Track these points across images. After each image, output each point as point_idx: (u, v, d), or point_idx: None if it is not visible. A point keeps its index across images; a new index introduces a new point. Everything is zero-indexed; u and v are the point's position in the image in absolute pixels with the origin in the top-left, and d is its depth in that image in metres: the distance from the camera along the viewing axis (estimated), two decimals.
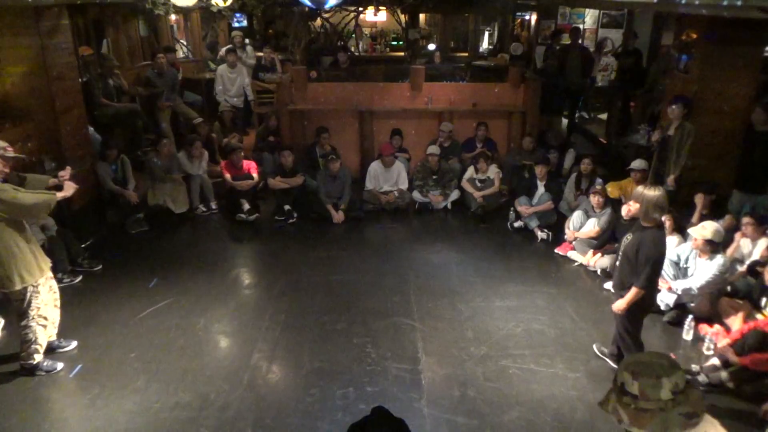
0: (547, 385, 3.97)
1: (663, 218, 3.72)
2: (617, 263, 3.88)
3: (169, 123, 8.46)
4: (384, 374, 4.06)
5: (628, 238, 3.73)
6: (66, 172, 4.15)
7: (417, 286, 5.31)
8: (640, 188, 3.64)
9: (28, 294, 3.86)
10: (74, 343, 4.36)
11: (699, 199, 5.45)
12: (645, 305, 3.77)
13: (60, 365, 4.12)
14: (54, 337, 4.24)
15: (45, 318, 4.00)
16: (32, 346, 3.97)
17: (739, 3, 4.05)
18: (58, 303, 4.20)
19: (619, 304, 3.74)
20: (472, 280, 5.44)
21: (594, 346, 4.34)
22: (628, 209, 3.83)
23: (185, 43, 11.54)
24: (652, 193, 3.52)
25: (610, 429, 3.51)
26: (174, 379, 4.01)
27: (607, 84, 11.27)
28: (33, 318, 3.93)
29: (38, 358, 4.03)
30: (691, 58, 6.05)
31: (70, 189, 4.06)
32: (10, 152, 3.89)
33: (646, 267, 3.54)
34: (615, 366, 4.06)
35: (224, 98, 8.80)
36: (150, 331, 4.59)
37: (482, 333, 4.58)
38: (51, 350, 4.21)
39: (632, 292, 3.64)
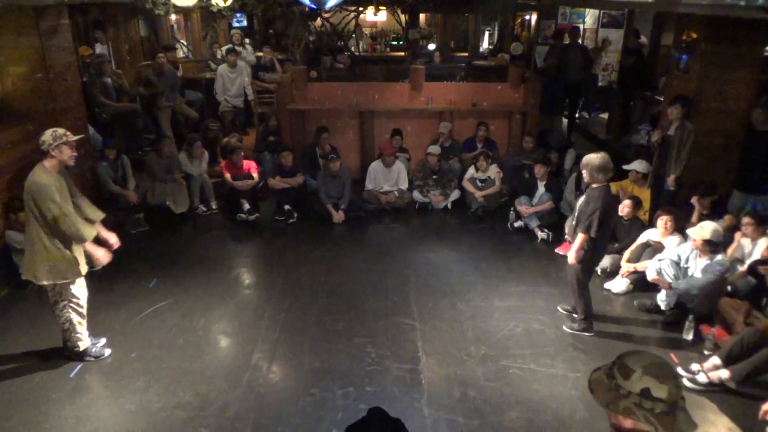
0: (547, 385, 3.97)
1: (608, 179, 4.24)
2: (572, 222, 4.50)
3: (169, 123, 8.46)
4: (384, 374, 4.06)
5: (581, 200, 4.36)
6: (111, 246, 4.14)
7: (417, 286, 5.31)
8: (586, 156, 4.25)
9: (58, 287, 3.92)
10: (103, 340, 4.39)
11: (696, 202, 5.45)
12: (594, 258, 4.43)
13: (108, 351, 4.25)
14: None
15: (80, 305, 4.07)
16: (73, 334, 4.07)
17: (742, 3, 4.04)
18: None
19: (571, 253, 4.34)
20: (473, 280, 5.44)
21: (558, 307, 4.87)
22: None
23: (185, 42, 11.55)
24: (596, 157, 4.17)
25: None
26: (174, 379, 4.01)
27: (607, 84, 11.28)
28: (66, 307, 3.98)
29: (83, 344, 4.14)
30: (691, 57, 6.04)
31: (102, 258, 4.05)
32: (71, 137, 3.89)
33: (592, 216, 4.14)
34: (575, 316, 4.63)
35: (224, 98, 8.80)
36: (150, 331, 4.59)
37: (482, 333, 4.58)
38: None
39: (579, 238, 4.25)
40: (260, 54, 10.51)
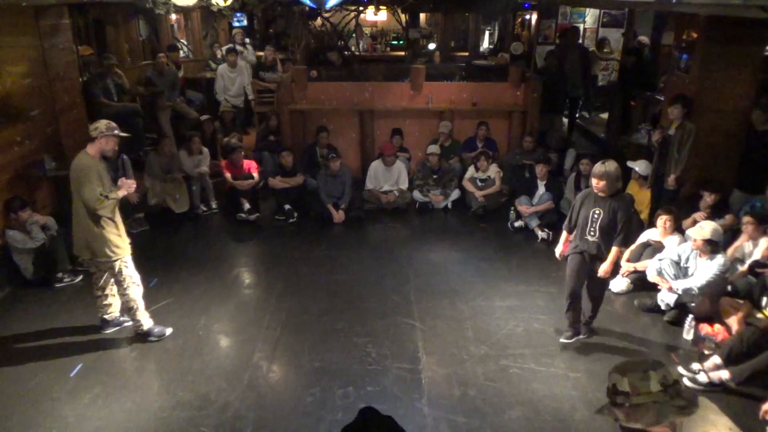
0: (547, 385, 3.97)
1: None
2: (591, 238, 4.14)
3: (169, 122, 8.46)
4: (384, 374, 4.06)
5: (599, 212, 4.06)
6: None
7: (417, 286, 5.31)
8: (599, 166, 4.00)
9: (119, 264, 4.19)
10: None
11: (706, 195, 5.42)
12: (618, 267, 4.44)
13: (169, 330, 4.49)
14: (117, 314, 4.57)
15: (139, 284, 4.36)
16: (138, 312, 4.35)
17: (739, 2, 4.04)
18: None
19: (606, 267, 4.11)
20: (473, 280, 5.44)
21: (561, 340, 4.47)
22: None
23: (185, 42, 11.55)
24: (613, 168, 3.96)
25: (610, 428, 3.50)
26: (174, 379, 4.01)
27: (607, 83, 11.27)
28: (130, 285, 4.28)
29: (147, 324, 4.39)
30: (691, 57, 6.04)
31: (123, 190, 4.23)
32: (121, 133, 4.20)
33: (626, 225, 3.98)
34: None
35: (224, 97, 8.80)
36: None
37: (482, 332, 4.58)
38: (116, 325, 4.57)
39: (614, 251, 4.08)
40: (261, 53, 10.51)
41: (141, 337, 4.41)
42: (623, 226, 4.00)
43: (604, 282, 4.35)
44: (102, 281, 4.37)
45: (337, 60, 9.50)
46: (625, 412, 1.74)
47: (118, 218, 4.22)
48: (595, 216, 4.10)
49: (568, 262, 4.35)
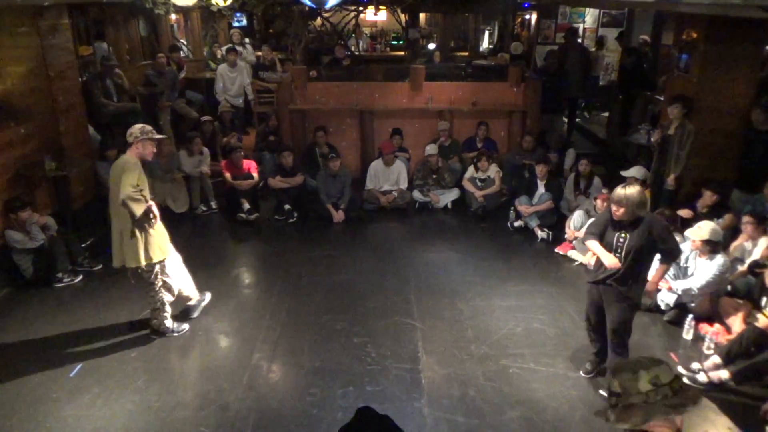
0: (547, 385, 3.97)
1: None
2: (622, 266, 3.64)
3: (169, 122, 8.46)
4: (384, 374, 4.06)
5: (624, 236, 3.60)
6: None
7: (417, 286, 5.31)
8: (619, 190, 3.55)
9: (155, 268, 4.29)
10: (208, 295, 4.92)
11: (707, 194, 5.42)
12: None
13: (186, 326, 4.58)
14: (193, 299, 4.76)
15: (171, 287, 4.49)
16: (162, 313, 4.43)
17: (740, 2, 4.04)
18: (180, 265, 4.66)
19: (653, 283, 3.82)
20: (473, 280, 5.44)
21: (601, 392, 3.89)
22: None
23: (185, 42, 11.55)
24: (634, 193, 3.50)
25: (610, 429, 3.50)
26: (174, 379, 4.01)
27: (607, 83, 11.27)
28: (161, 289, 4.37)
29: (168, 323, 4.49)
30: (691, 57, 6.04)
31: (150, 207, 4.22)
32: (155, 135, 4.26)
33: (669, 238, 3.59)
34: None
35: (224, 97, 8.81)
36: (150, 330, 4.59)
37: (482, 332, 4.58)
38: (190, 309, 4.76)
39: (661, 268, 3.76)
40: (260, 53, 10.51)
41: (161, 333, 4.49)
42: (668, 238, 3.57)
43: (626, 310, 3.74)
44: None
45: (344, 58, 9.42)
46: (616, 413, 1.72)
47: (156, 224, 4.27)
48: (621, 241, 3.63)
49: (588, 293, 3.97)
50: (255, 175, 7.00)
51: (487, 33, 15.27)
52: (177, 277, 4.57)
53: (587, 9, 11.35)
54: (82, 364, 4.15)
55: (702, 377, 3.94)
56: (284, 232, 6.65)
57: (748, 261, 4.79)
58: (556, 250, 6.03)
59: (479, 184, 7.08)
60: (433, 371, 4.09)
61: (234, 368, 4.13)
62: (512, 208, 6.66)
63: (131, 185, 4.02)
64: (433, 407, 3.73)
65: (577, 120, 10.21)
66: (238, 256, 6.18)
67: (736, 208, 5.55)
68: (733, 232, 5.19)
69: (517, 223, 6.57)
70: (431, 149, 7.20)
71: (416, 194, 7.21)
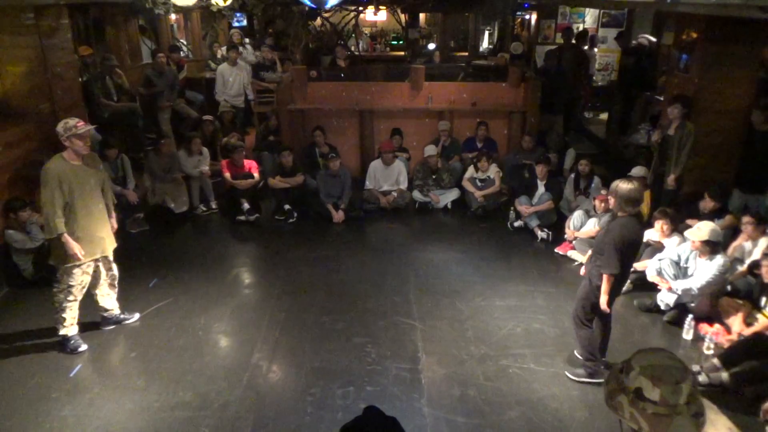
0: (547, 385, 3.97)
1: (638, 210, 3.73)
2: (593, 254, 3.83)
3: (169, 122, 8.46)
4: (384, 374, 4.06)
5: (599, 228, 3.76)
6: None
7: (417, 286, 5.31)
8: (615, 182, 3.64)
9: (61, 270, 4.13)
10: (137, 315, 4.73)
11: (708, 201, 5.39)
12: (618, 288, 3.79)
13: (84, 347, 4.31)
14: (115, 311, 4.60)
15: (74, 292, 4.19)
16: (61, 314, 4.19)
17: (740, 2, 4.04)
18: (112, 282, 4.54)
19: (603, 301, 3.71)
20: (472, 280, 5.44)
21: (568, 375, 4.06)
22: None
23: (185, 42, 11.55)
24: (625, 186, 3.56)
25: (610, 428, 3.51)
26: (174, 379, 4.01)
27: (607, 83, 11.27)
28: (62, 290, 4.15)
29: (63, 329, 4.23)
30: (691, 57, 6.04)
31: (74, 255, 4.10)
32: (81, 128, 3.98)
33: (611, 252, 3.56)
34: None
35: (224, 97, 8.81)
36: (150, 330, 4.59)
37: (482, 332, 4.58)
38: (116, 323, 4.61)
39: (604, 280, 3.66)
40: (260, 53, 10.51)
41: (60, 339, 4.28)
42: (609, 251, 3.57)
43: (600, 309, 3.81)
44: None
45: (344, 59, 9.39)
46: (647, 419, 1.63)
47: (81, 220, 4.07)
48: (599, 235, 3.79)
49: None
50: (256, 174, 7.00)
51: (487, 33, 15.26)
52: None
53: (587, 9, 11.35)
54: (81, 364, 4.15)
55: (702, 378, 3.93)
56: (284, 232, 6.65)
57: (748, 261, 4.80)
58: (556, 250, 6.03)
59: (479, 184, 7.08)
60: (433, 371, 4.09)
61: (234, 368, 4.13)
62: (512, 208, 6.66)
63: (50, 203, 3.86)
64: (433, 407, 3.73)
65: (577, 120, 10.20)
66: (238, 256, 6.18)
67: (736, 208, 5.56)
68: (733, 232, 5.20)
69: (517, 223, 6.57)
70: (430, 150, 7.20)
71: (416, 194, 7.21)
